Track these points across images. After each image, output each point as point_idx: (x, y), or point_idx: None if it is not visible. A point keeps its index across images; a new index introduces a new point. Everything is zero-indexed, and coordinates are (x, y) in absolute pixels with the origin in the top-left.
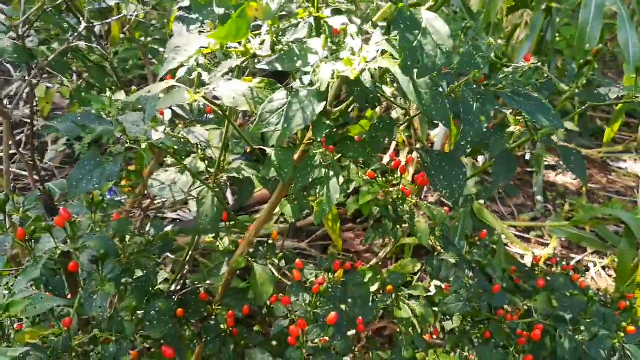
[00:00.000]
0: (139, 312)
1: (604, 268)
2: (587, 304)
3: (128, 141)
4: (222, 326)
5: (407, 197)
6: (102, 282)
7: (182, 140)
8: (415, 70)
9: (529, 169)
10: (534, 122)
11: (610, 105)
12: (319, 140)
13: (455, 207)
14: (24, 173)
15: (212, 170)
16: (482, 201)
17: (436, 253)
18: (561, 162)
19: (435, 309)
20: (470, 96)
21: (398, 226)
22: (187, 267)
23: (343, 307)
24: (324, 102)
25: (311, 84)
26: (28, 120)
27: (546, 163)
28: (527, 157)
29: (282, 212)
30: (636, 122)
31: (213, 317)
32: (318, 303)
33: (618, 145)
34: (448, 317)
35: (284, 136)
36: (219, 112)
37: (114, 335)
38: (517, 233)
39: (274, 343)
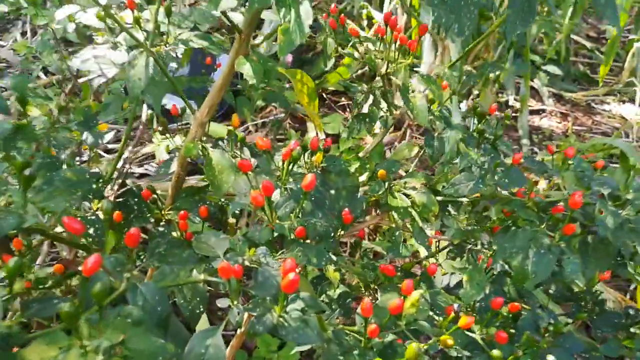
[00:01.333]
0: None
1: None
2: (624, 179)
3: None
4: (174, 234)
5: (402, 44)
6: None
7: None
8: None
9: (513, 114)
10: None
11: (592, 51)
12: None
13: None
14: None
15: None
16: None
17: (436, 132)
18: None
19: (439, 198)
20: None
21: (388, 112)
22: (128, 167)
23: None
24: None
25: None
26: None
27: (530, 108)
28: (510, 102)
29: (240, 71)
30: (619, 65)
31: (162, 223)
32: (290, 180)
33: (602, 88)
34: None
35: None
36: None
37: None
38: None
39: (232, 220)
